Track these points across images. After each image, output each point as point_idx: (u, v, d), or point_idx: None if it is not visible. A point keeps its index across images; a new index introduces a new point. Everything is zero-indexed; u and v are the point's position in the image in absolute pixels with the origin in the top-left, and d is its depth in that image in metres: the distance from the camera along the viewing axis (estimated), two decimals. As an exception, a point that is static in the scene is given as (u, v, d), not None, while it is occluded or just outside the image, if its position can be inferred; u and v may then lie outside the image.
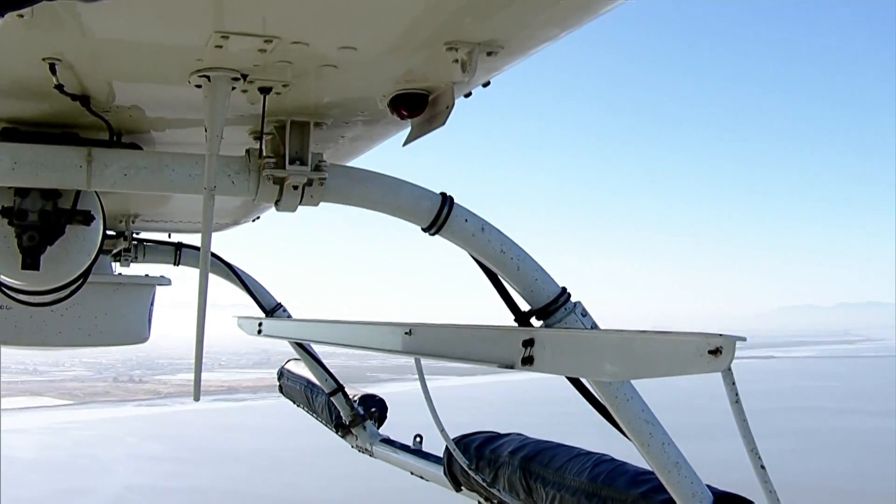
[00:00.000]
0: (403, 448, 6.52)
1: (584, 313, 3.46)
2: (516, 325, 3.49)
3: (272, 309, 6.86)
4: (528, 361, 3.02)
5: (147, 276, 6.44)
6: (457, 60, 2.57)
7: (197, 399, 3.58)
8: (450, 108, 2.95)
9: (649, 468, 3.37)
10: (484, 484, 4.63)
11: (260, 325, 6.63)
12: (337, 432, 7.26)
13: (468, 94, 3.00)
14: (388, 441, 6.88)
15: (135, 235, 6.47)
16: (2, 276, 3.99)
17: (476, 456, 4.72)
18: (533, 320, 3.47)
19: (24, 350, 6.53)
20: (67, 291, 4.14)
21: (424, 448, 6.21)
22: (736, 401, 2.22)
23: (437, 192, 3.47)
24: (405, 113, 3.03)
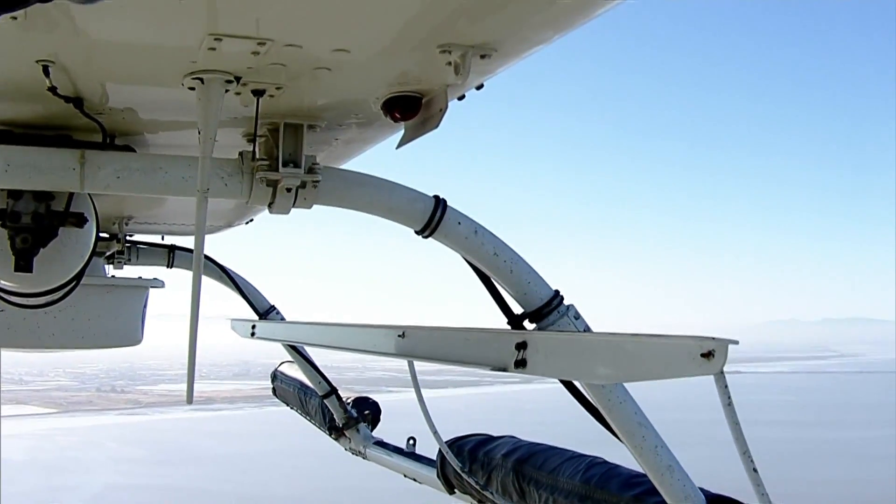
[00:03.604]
0: (397, 450, 6.51)
1: (577, 316, 3.45)
2: (509, 327, 3.49)
3: (265, 311, 6.85)
4: (520, 364, 3.02)
5: (140, 278, 6.44)
6: (450, 63, 2.57)
7: (190, 402, 3.58)
8: (443, 110, 2.95)
9: (642, 471, 3.37)
10: (477, 486, 4.63)
11: (253, 327, 6.61)
12: (330, 434, 7.25)
13: (461, 97, 3.00)
14: (381, 443, 6.88)
15: (128, 238, 6.45)
16: None
17: (469, 458, 4.72)
18: (526, 323, 3.47)
19: (17, 352, 6.52)
20: (61, 294, 4.13)
21: (418, 451, 6.20)
22: (728, 403, 2.22)
23: (431, 194, 3.47)
24: (398, 115, 3.03)
